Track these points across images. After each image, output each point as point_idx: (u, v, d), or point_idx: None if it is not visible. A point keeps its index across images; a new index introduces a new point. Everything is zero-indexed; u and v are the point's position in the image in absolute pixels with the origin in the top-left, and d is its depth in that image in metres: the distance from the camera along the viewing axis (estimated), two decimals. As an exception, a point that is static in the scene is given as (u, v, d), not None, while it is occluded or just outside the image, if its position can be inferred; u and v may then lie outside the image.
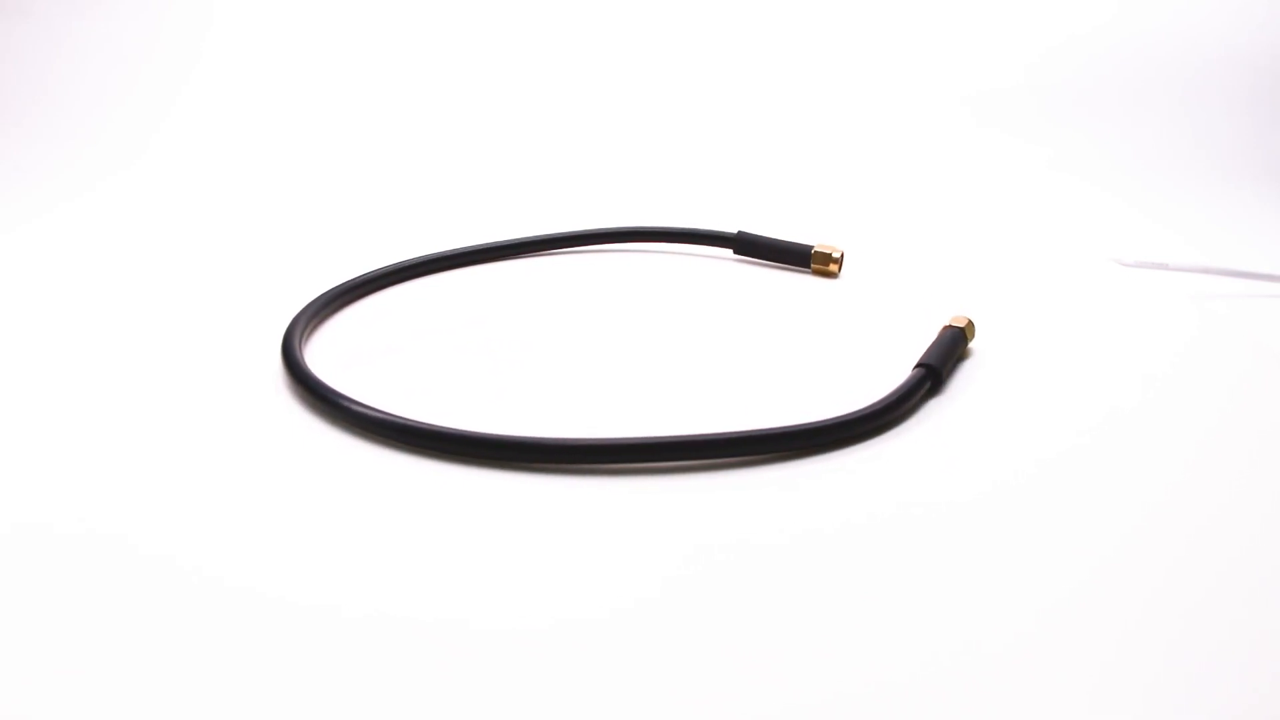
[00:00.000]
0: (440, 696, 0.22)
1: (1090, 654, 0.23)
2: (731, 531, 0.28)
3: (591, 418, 0.34)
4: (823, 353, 0.40)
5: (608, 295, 0.46)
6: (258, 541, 0.27)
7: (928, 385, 0.35)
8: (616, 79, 0.80)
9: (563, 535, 0.28)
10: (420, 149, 0.72)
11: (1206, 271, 0.49)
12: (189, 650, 0.23)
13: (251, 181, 0.65)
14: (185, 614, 0.24)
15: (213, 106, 0.74)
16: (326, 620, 0.24)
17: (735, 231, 0.50)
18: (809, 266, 0.48)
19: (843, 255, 0.47)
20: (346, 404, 0.33)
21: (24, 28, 0.77)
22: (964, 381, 0.37)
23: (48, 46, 0.77)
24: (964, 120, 0.78)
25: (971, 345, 0.39)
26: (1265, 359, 0.40)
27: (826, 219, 0.59)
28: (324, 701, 0.22)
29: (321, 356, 0.38)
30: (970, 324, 0.39)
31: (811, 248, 0.48)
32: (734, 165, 0.72)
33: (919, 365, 0.36)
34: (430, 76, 0.79)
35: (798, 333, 0.42)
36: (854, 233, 0.56)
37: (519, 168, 0.69)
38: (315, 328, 0.41)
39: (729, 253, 0.51)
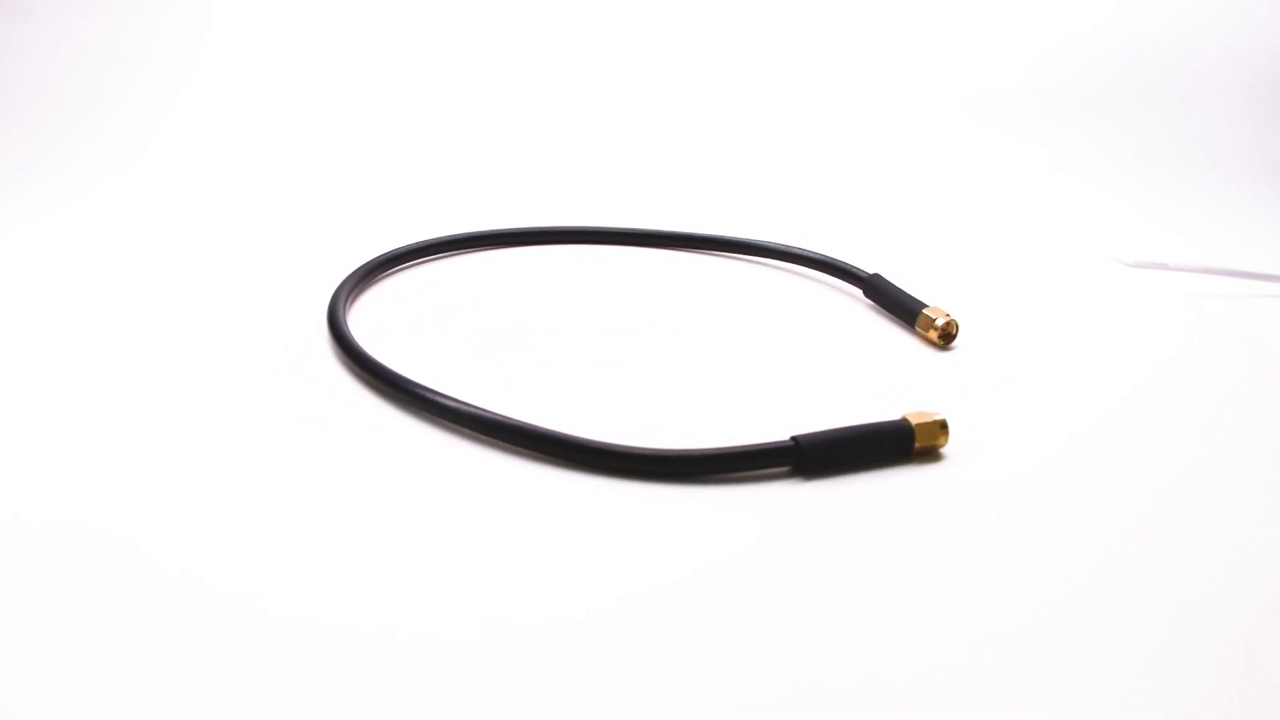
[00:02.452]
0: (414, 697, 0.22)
1: (1082, 654, 0.23)
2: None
3: (591, 413, 0.34)
4: (817, 364, 0.40)
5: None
6: (300, 520, 0.27)
7: (791, 462, 0.30)
8: (609, 75, 0.80)
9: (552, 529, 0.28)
10: (414, 148, 0.72)
11: (1206, 271, 0.49)
12: (212, 637, 0.23)
13: (253, 180, 0.65)
14: (217, 598, 0.24)
15: (213, 106, 0.74)
16: (338, 611, 0.24)
17: (870, 273, 0.44)
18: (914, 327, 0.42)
19: (947, 326, 0.40)
20: (402, 381, 0.34)
21: (24, 28, 0.77)
22: (966, 380, 0.37)
23: (48, 46, 0.77)
24: (964, 120, 0.78)
25: (945, 450, 0.32)
26: (1265, 358, 0.40)
27: (825, 220, 0.59)
28: (333, 695, 0.22)
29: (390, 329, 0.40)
30: (936, 426, 0.32)
31: (922, 308, 0.41)
32: (731, 165, 0.72)
33: (793, 438, 0.30)
34: (433, 74, 0.79)
35: (806, 343, 0.42)
36: (853, 234, 0.56)
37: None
38: (357, 297, 0.43)
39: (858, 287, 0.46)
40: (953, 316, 0.40)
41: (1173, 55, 0.82)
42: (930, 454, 0.32)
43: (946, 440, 0.32)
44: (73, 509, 0.28)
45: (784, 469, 0.31)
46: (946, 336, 0.40)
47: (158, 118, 0.73)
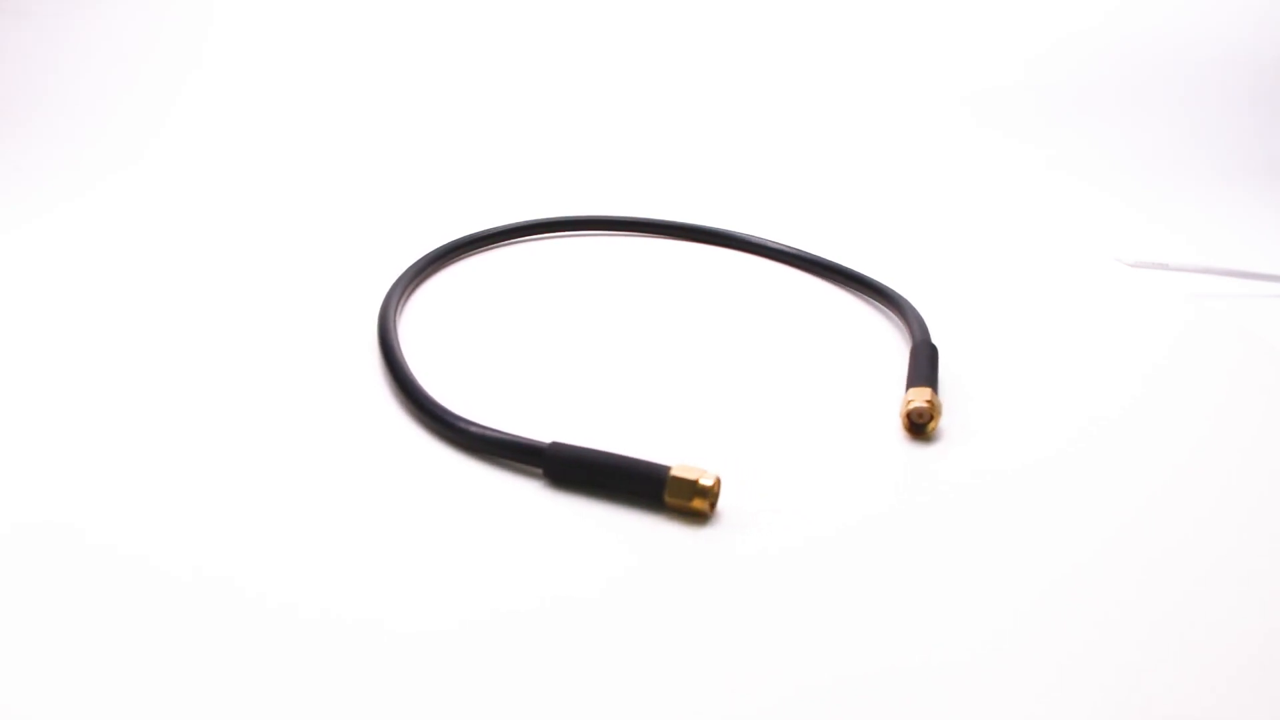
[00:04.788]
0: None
1: (1073, 653, 0.24)
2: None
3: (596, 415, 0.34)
4: (802, 353, 0.40)
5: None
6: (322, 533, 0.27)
7: (540, 465, 0.30)
8: (606, 71, 0.80)
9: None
10: (416, 146, 0.72)
11: (1207, 271, 0.49)
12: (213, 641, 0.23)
13: (254, 179, 0.65)
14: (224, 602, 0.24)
15: (213, 106, 0.74)
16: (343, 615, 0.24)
17: (926, 340, 0.39)
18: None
19: (912, 413, 0.34)
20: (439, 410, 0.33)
21: (24, 28, 0.77)
22: (964, 380, 0.37)
23: (48, 46, 0.77)
24: (964, 120, 0.78)
25: (718, 510, 0.29)
26: (1265, 358, 0.40)
27: (826, 221, 0.59)
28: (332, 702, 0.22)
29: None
30: (692, 487, 0.29)
31: (913, 386, 0.36)
32: (731, 164, 0.72)
33: (553, 443, 0.31)
34: (438, 70, 0.79)
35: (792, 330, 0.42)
36: (853, 234, 0.56)
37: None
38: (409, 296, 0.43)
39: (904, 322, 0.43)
40: (934, 407, 0.33)
41: (1172, 55, 0.82)
42: (695, 515, 0.29)
43: (703, 505, 0.29)
44: (70, 510, 0.28)
45: (538, 470, 0.31)
46: (912, 426, 0.34)
47: (158, 118, 0.73)
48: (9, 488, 0.29)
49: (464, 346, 0.40)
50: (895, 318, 0.44)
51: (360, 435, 0.33)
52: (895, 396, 0.37)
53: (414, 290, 0.45)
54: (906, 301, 0.43)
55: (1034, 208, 0.64)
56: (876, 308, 0.45)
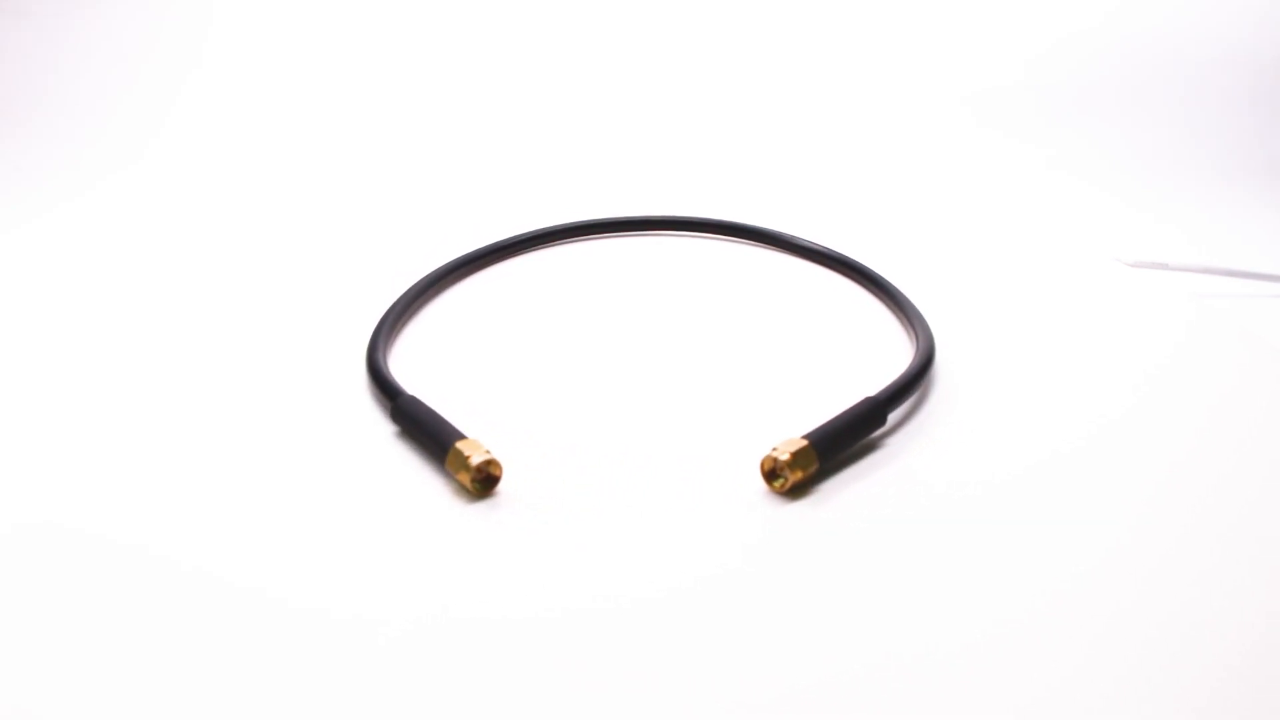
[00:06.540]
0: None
1: (1074, 652, 0.24)
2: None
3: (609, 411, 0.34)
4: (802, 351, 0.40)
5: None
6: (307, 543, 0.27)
7: (389, 408, 0.33)
8: (611, 73, 0.80)
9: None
10: (414, 147, 0.72)
11: (1207, 271, 0.49)
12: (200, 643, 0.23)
13: (255, 180, 0.65)
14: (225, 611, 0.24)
15: (213, 106, 0.74)
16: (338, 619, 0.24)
17: (878, 404, 0.33)
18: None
19: (766, 462, 0.30)
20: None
21: (24, 28, 0.77)
22: (960, 381, 0.37)
23: (48, 46, 0.77)
24: (964, 120, 0.78)
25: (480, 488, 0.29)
26: (1266, 358, 0.40)
27: (826, 220, 0.59)
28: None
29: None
30: (464, 462, 0.29)
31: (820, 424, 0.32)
32: (733, 163, 0.72)
33: (407, 396, 0.32)
34: (431, 72, 0.79)
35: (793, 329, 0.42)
36: (854, 234, 0.56)
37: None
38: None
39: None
40: (791, 466, 0.29)
41: (1172, 55, 0.82)
42: (466, 491, 0.29)
43: (467, 481, 0.29)
44: (65, 508, 0.28)
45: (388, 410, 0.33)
46: (767, 473, 0.30)
47: (158, 118, 0.73)
48: (2, 486, 0.29)
49: (477, 351, 0.40)
50: (910, 339, 0.41)
51: (340, 434, 0.33)
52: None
53: (431, 298, 0.45)
54: (928, 333, 0.39)
55: (1034, 208, 0.64)
56: (897, 320, 0.44)
